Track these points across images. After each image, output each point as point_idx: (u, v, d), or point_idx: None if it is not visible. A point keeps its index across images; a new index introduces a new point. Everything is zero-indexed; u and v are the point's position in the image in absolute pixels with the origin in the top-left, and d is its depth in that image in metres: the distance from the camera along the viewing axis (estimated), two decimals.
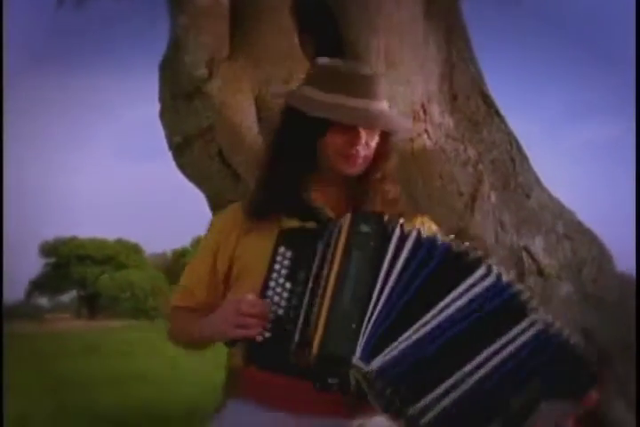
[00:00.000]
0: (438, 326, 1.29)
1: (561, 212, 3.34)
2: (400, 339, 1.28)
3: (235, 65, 2.78)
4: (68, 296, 49.38)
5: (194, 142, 2.85)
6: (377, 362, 1.26)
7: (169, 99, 2.82)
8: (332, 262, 1.38)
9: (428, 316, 1.29)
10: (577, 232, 3.32)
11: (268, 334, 1.41)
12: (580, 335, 3.11)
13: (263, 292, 1.45)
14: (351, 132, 1.56)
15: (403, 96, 2.84)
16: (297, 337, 1.37)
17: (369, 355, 1.27)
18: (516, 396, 1.28)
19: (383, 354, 1.27)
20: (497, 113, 3.25)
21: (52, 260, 43.40)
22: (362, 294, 1.33)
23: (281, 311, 1.43)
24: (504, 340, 1.29)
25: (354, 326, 1.30)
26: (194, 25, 2.73)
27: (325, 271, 1.39)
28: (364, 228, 1.40)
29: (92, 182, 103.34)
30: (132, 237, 57.33)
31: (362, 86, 1.59)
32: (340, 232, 1.40)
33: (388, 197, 1.65)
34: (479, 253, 1.37)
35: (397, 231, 1.36)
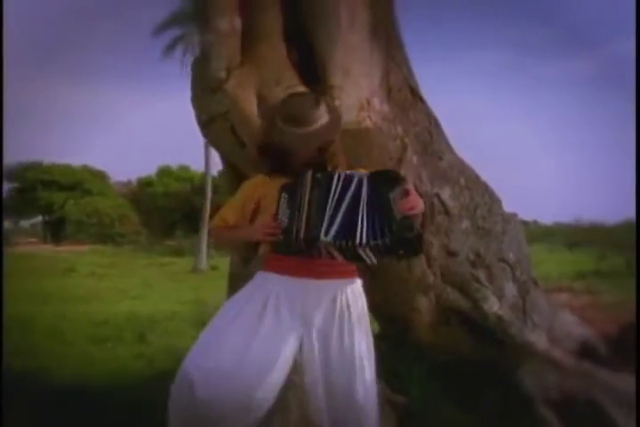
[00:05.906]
0: (346, 211, 2.37)
1: (464, 170, 4.00)
2: (335, 222, 2.36)
3: (244, 71, 3.36)
4: (29, 222, 48.39)
5: (216, 120, 3.48)
6: (330, 235, 2.35)
7: (199, 90, 3.50)
8: (305, 195, 2.38)
9: (343, 207, 2.38)
10: (474, 184, 4.01)
11: (282, 237, 2.41)
12: (473, 255, 3.85)
13: (276, 215, 2.48)
14: None
15: (354, 94, 3.43)
16: (294, 235, 2.38)
17: (326, 233, 2.35)
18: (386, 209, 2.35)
19: (332, 230, 2.36)
20: (421, 99, 3.88)
21: (16, 185, 41.52)
22: (321, 208, 2.37)
23: (285, 224, 2.41)
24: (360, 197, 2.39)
25: (319, 222, 2.35)
26: (217, 41, 3.37)
27: (304, 200, 2.37)
28: (317, 175, 2.46)
29: (59, 108, 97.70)
30: (97, 164, 54.61)
31: (301, 118, 2.46)
32: (306, 180, 2.43)
33: (334, 163, 2.59)
34: (362, 172, 2.45)
35: (333, 175, 2.46)
